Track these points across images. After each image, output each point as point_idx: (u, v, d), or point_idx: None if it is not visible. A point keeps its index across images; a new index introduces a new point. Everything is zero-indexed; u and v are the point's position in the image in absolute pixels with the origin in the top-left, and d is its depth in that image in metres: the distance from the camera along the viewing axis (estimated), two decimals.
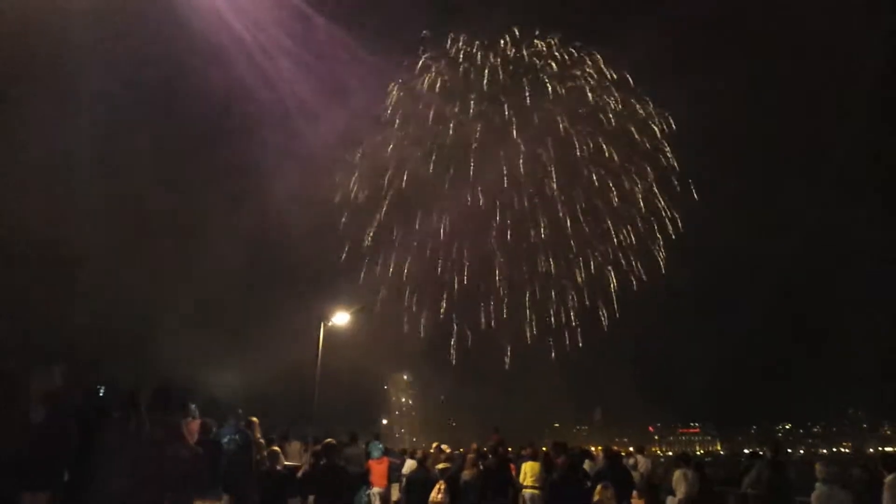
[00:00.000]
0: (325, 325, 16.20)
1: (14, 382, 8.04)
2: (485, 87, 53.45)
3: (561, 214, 55.37)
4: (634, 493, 9.66)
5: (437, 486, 10.40)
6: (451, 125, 50.83)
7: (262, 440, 10.86)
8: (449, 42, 51.25)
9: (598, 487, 8.27)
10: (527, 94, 53.82)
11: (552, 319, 61.69)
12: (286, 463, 11.23)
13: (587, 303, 60.69)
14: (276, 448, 9.90)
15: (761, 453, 14.30)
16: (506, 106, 53.38)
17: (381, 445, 15.33)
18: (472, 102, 52.38)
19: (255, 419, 10.84)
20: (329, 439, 10.59)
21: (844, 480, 8.57)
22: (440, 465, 11.09)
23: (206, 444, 9.75)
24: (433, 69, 50.87)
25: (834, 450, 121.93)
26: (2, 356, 7.44)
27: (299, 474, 11.55)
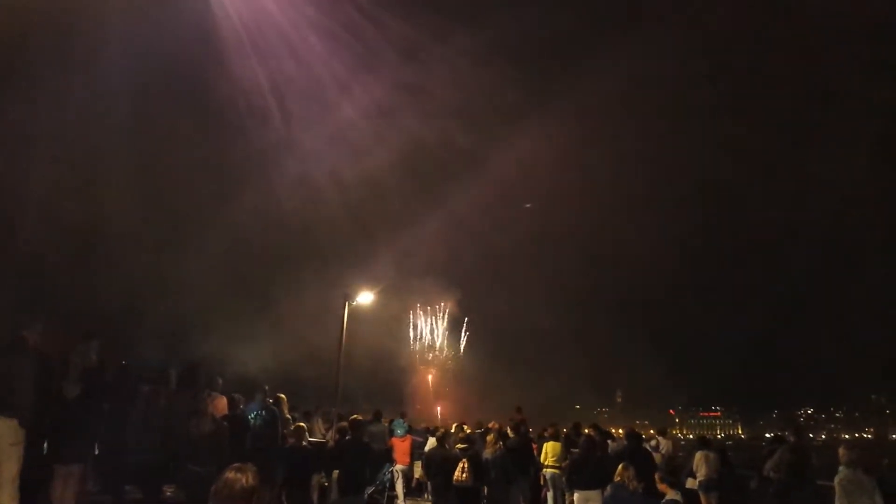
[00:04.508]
0: (349, 305, 16.30)
1: (50, 360, 8.26)
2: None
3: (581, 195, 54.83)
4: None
5: (461, 465, 10.46)
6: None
7: (288, 416, 11.04)
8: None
9: (619, 467, 8.29)
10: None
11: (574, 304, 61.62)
12: (311, 439, 11.42)
13: (611, 287, 60.55)
14: (302, 424, 10.07)
15: (782, 437, 14.22)
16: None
17: (404, 423, 15.51)
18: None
19: (282, 396, 11.03)
20: (355, 415, 10.76)
21: (868, 464, 8.51)
22: (460, 445, 11.15)
23: (232, 420, 9.98)
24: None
25: (856, 435, 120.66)
26: (41, 332, 7.59)
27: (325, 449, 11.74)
